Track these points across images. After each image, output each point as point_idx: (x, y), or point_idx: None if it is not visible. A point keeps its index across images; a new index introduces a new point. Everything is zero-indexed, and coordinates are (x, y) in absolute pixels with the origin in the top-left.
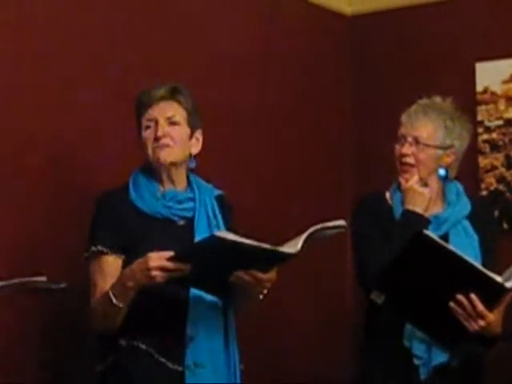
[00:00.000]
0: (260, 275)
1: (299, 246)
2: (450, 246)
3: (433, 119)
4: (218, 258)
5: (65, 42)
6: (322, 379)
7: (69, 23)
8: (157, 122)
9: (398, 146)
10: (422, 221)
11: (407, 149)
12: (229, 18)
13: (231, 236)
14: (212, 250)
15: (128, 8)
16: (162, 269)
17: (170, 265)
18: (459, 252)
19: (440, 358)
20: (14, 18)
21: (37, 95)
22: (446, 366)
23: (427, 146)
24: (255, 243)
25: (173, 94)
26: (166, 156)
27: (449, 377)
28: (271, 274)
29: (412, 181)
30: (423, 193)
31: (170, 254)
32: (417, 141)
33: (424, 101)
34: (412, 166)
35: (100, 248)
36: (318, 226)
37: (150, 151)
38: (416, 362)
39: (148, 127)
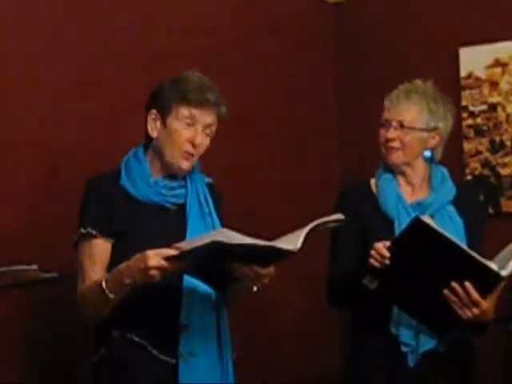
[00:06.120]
0: (259, 270)
1: (300, 243)
2: (447, 234)
3: (416, 102)
4: (218, 255)
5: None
6: (311, 371)
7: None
8: (195, 125)
9: (382, 131)
10: None
11: (392, 133)
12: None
13: (232, 236)
14: (212, 250)
15: None
16: (161, 268)
17: (168, 265)
18: (456, 239)
19: (428, 344)
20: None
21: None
22: (434, 352)
23: (412, 128)
24: (256, 241)
25: (218, 103)
26: (188, 167)
27: (438, 363)
28: (270, 269)
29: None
30: None
31: (169, 252)
32: (401, 124)
33: (405, 85)
34: (398, 149)
35: (89, 230)
36: (317, 222)
37: (173, 151)
38: (404, 349)
39: (186, 124)
